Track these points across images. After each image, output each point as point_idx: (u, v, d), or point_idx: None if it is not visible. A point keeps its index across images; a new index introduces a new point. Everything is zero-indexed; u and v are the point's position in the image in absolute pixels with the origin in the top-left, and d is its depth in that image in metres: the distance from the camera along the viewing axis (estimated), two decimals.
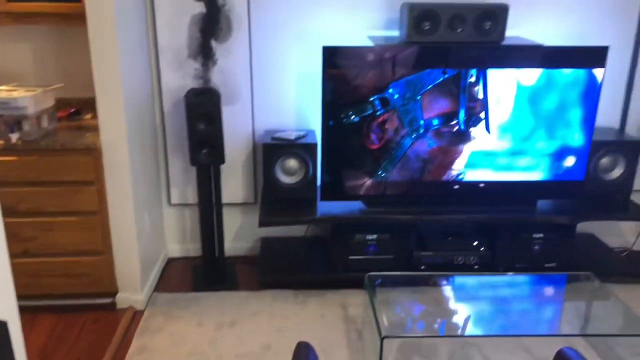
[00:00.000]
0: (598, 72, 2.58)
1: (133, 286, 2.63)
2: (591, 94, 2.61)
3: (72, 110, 2.76)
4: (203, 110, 2.57)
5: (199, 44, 2.77)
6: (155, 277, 2.90)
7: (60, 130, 2.54)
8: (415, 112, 2.59)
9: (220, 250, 2.87)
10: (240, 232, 3.15)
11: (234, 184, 3.01)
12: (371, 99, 2.56)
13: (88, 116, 2.74)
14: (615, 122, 2.99)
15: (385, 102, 2.57)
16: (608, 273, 2.66)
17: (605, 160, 2.80)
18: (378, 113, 2.59)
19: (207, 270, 2.87)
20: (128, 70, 2.46)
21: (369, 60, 2.51)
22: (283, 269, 2.87)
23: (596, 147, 2.73)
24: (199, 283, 2.86)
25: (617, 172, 2.81)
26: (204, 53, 2.78)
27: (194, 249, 3.13)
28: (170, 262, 3.11)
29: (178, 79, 2.81)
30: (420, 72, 2.54)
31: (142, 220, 2.67)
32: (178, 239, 3.14)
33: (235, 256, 3.12)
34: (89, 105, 2.77)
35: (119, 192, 2.49)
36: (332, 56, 2.51)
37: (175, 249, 3.15)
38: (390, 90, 2.55)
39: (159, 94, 2.86)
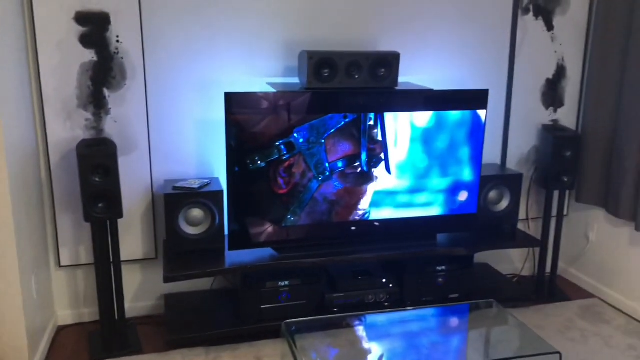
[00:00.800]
0: (482, 113, 2.82)
1: None
2: (477, 133, 2.83)
3: None
4: (97, 162, 2.40)
5: (90, 93, 2.61)
6: (45, 350, 2.59)
7: None
8: (320, 155, 2.63)
9: (120, 312, 2.65)
10: (141, 291, 2.93)
11: (133, 239, 2.82)
12: (277, 143, 2.57)
13: None
14: (497, 158, 3.27)
15: (290, 147, 2.58)
16: (503, 299, 2.83)
17: (493, 194, 3.03)
18: (284, 157, 2.59)
19: (105, 336, 2.62)
20: (9, 121, 2.24)
21: (272, 105, 2.53)
22: (191, 325, 2.70)
23: (484, 181, 2.95)
24: (97, 350, 2.60)
25: (504, 204, 3.04)
26: (96, 102, 2.63)
27: (88, 313, 2.86)
28: (60, 330, 2.80)
29: (67, 130, 2.62)
30: (323, 117, 2.60)
31: (28, 287, 2.39)
32: (69, 304, 2.85)
33: (137, 317, 2.89)
34: None
35: (0, 258, 2.22)
36: (234, 102, 2.49)
37: (66, 316, 2.85)
38: (295, 135, 2.58)
39: (44, 146, 2.63)
